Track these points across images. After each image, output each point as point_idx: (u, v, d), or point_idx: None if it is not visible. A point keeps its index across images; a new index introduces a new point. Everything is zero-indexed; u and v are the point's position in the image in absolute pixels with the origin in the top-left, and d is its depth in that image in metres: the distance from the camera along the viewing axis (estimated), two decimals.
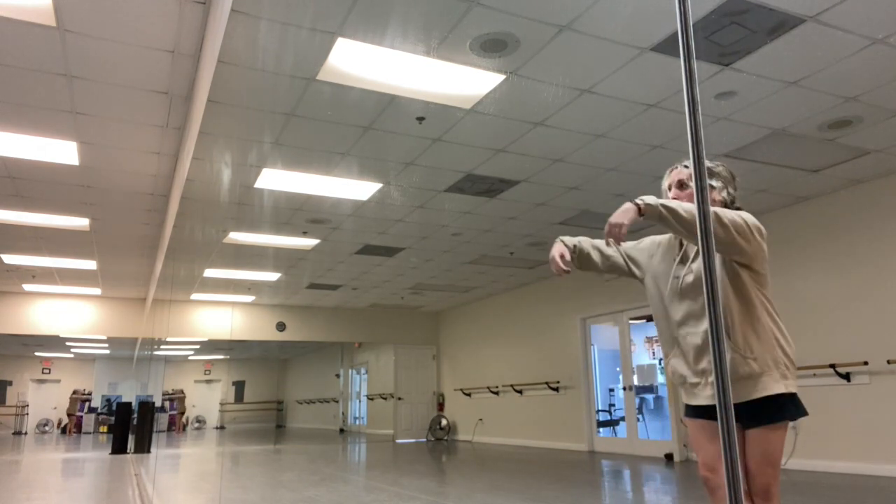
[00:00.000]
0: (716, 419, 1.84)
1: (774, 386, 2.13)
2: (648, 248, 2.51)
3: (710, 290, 1.06)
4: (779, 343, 2.19)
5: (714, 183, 2.40)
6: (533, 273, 10.77)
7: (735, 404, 2.12)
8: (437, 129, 5.14)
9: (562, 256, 2.40)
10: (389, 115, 4.86)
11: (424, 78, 4.30)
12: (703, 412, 2.29)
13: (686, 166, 2.42)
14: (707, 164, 2.39)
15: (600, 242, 2.53)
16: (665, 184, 2.51)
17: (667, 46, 3.99)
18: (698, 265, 2.29)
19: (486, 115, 4.89)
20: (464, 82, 4.37)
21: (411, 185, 6.38)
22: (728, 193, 2.41)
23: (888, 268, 6.28)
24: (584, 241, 2.50)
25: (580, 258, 2.50)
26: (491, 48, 3.97)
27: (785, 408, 2.14)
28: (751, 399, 2.14)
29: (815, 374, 6.75)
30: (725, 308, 2.19)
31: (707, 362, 2.24)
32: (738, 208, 2.38)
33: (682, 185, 2.41)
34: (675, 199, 2.39)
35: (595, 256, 2.50)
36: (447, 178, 6.21)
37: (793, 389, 2.16)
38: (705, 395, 2.25)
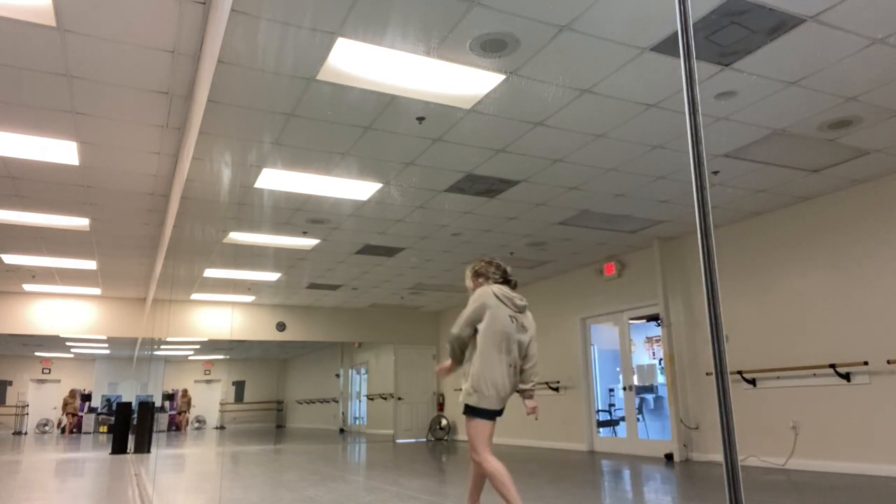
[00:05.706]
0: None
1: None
2: (488, 302, 3.55)
3: (709, 290, 1.06)
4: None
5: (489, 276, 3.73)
6: (533, 273, 10.77)
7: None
8: (437, 129, 5.14)
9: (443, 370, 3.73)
10: (389, 115, 4.86)
11: (424, 78, 4.30)
12: (498, 413, 3.45)
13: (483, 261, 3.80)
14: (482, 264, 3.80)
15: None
16: (470, 270, 3.84)
17: (667, 46, 3.99)
18: (526, 317, 3.66)
19: (486, 115, 4.89)
20: (464, 82, 4.37)
21: (411, 185, 6.38)
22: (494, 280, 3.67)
23: (888, 268, 6.28)
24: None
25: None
26: (491, 48, 3.97)
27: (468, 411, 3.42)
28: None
29: (815, 374, 6.75)
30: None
31: (511, 384, 3.50)
32: (511, 281, 3.76)
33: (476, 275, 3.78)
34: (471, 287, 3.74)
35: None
36: (447, 178, 6.21)
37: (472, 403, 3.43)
38: (501, 402, 3.46)
